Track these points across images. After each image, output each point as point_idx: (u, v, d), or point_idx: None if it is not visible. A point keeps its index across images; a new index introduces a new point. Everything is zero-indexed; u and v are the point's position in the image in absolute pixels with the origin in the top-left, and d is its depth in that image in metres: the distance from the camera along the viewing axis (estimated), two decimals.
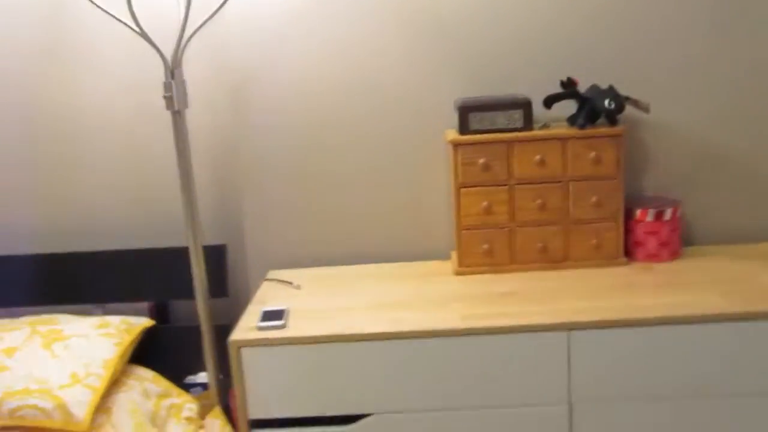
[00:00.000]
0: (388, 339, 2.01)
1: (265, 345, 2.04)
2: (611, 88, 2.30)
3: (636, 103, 2.31)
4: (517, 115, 2.31)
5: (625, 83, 2.46)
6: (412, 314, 2.10)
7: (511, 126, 2.32)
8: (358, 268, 2.54)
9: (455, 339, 2.01)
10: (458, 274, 2.40)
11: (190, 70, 2.49)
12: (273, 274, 2.56)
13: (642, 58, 2.45)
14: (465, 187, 2.34)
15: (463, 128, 2.33)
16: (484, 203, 2.34)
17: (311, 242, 2.61)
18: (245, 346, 2.04)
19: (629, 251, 2.43)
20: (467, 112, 2.31)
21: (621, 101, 2.25)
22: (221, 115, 2.55)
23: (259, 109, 2.51)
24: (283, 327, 2.08)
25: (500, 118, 2.32)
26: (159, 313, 2.63)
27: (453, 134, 2.36)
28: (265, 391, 2.06)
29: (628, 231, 2.42)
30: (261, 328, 2.08)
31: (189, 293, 2.50)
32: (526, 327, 1.99)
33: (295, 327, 2.08)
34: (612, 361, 2.00)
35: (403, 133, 2.52)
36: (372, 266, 2.56)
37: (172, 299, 2.60)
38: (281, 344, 2.03)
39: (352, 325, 2.05)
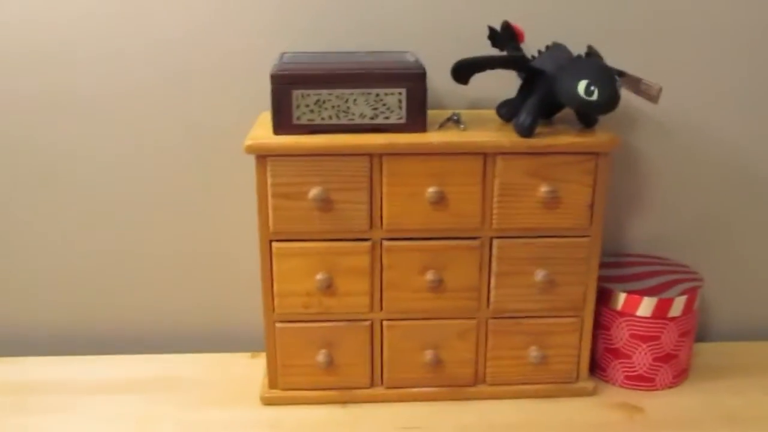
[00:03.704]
0: None
1: None
2: (592, 57, 1.11)
3: (638, 86, 1.12)
4: (394, 99, 1.10)
5: (615, 47, 1.26)
6: None
7: (380, 121, 1.11)
8: (85, 364, 1.33)
9: None
10: (268, 403, 1.22)
11: None
12: None
13: (660, 6, 1.26)
14: (281, 240, 1.14)
15: (281, 122, 1.11)
16: (321, 274, 1.14)
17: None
18: None
19: (598, 365, 1.29)
20: (289, 88, 1.09)
21: (613, 86, 1.06)
22: None
23: None
24: None
25: (359, 104, 1.10)
26: None
27: (262, 131, 1.14)
28: None
29: (598, 327, 1.27)
30: None
31: None
32: None
33: None
34: None
35: (193, 125, 1.29)
36: (115, 360, 1.35)
37: None
38: None
39: None
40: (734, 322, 1.43)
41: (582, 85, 1.04)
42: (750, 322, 1.43)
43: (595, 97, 1.04)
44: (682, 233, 1.38)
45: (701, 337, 1.43)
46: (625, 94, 1.20)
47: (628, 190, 1.35)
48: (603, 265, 1.30)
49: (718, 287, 1.41)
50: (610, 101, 1.05)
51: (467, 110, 1.27)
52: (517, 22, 1.19)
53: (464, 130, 1.14)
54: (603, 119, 1.18)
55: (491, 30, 1.19)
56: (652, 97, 1.12)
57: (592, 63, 1.08)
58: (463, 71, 1.14)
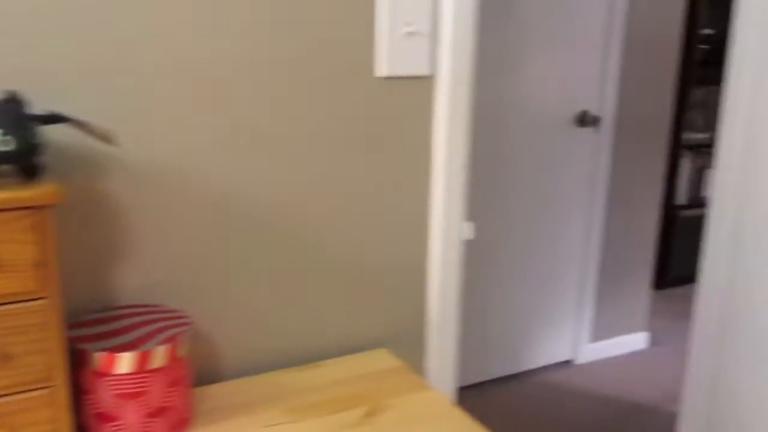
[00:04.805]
0: None
1: None
2: (11, 103, 1.00)
3: (86, 129, 1.05)
4: None
5: (60, 83, 1.18)
6: None
7: None
8: None
9: None
10: None
11: None
12: None
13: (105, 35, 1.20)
14: None
15: None
16: None
17: None
18: None
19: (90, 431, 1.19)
20: None
21: (28, 133, 0.96)
22: None
23: None
24: None
25: None
26: None
27: None
28: None
29: (81, 393, 1.17)
30: None
31: None
32: None
33: None
34: None
35: None
36: None
37: None
38: None
39: None
40: (243, 358, 1.43)
41: None
42: (254, 356, 1.44)
43: (6, 146, 0.93)
44: (177, 278, 1.34)
45: (212, 380, 1.41)
46: (93, 142, 1.13)
47: (110, 240, 1.27)
48: (80, 324, 1.21)
49: (220, 326, 1.40)
50: (24, 150, 0.95)
51: None
52: None
53: None
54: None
55: None
56: (106, 139, 1.06)
57: (7, 110, 0.97)
58: None
